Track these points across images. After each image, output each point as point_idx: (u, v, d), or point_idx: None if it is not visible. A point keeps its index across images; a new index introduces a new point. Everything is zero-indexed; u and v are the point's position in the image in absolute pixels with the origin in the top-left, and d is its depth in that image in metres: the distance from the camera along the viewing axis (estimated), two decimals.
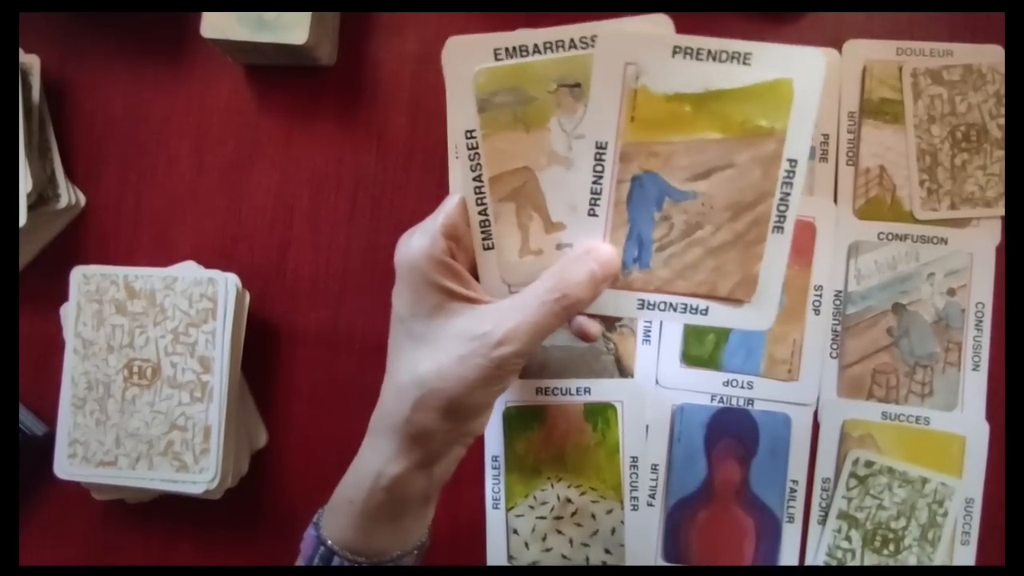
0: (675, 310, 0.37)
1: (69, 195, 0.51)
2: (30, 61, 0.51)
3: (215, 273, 0.48)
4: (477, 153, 0.36)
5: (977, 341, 0.49)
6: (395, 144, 0.52)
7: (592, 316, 0.38)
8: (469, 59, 0.35)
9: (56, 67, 0.52)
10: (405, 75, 0.52)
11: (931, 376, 0.50)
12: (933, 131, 0.50)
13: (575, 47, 0.35)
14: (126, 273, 0.48)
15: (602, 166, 0.36)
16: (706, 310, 0.37)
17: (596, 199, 0.36)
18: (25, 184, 0.48)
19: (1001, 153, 0.49)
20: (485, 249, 0.37)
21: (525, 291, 0.36)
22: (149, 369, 0.47)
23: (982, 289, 0.50)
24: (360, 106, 0.52)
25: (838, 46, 0.51)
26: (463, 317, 0.35)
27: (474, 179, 0.37)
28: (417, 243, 0.36)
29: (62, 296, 0.49)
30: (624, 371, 0.50)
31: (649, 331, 0.50)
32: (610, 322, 0.50)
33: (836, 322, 0.50)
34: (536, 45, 0.35)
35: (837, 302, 0.50)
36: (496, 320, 0.35)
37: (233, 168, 0.52)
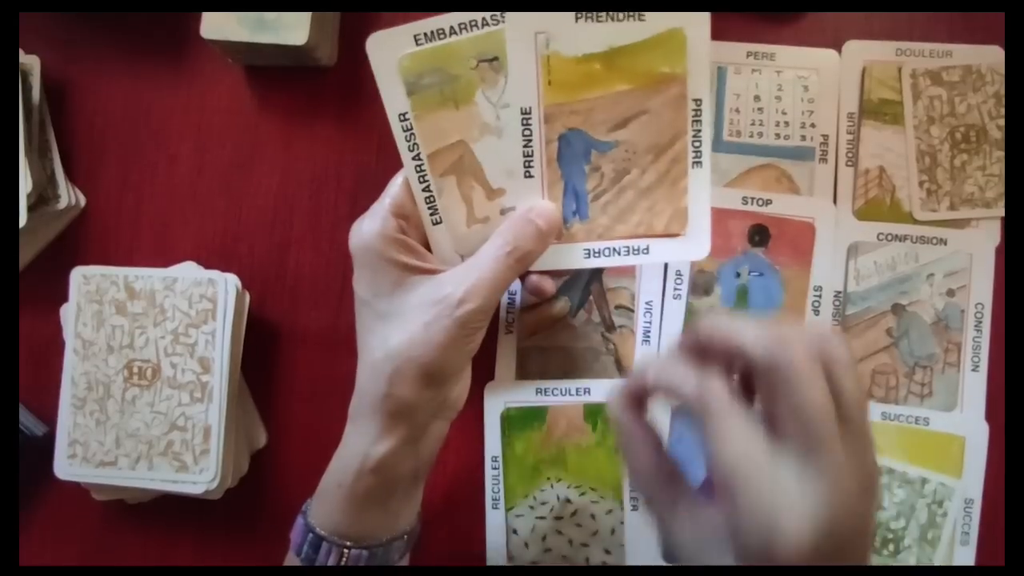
0: (619, 254, 0.40)
1: (69, 195, 0.51)
2: (30, 61, 0.51)
3: (215, 274, 0.48)
4: (412, 134, 0.39)
5: (976, 342, 0.49)
6: (395, 144, 0.52)
7: (544, 273, 0.41)
8: (391, 48, 0.38)
9: (56, 67, 0.52)
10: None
11: (930, 377, 0.50)
12: (932, 132, 0.50)
13: (488, 24, 0.38)
14: (126, 274, 0.48)
15: (530, 130, 0.39)
16: (647, 249, 0.40)
17: (529, 161, 0.39)
18: (25, 184, 0.48)
19: (1000, 154, 0.49)
20: (434, 224, 0.40)
21: (478, 252, 0.38)
22: (149, 369, 0.47)
23: (981, 290, 0.50)
24: (360, 106, 0.52)
25: (838, 46, 0.51)
26: (423, 287, 0.37)
27: (413, 158, 0.39)
28: (368, 225, 0.38)
29: (62, 296, 0.49)
30: (624, 371, 0.50)
31: (648, 331, 0.50)
32: (610, 323, 0.50)
33: (835, 323, 0.50)
34: (452, 27, 0.38)
35: (836, 303, 0.50)
36: (455, 282, 0.36)
37: (233, 168, 0.52)
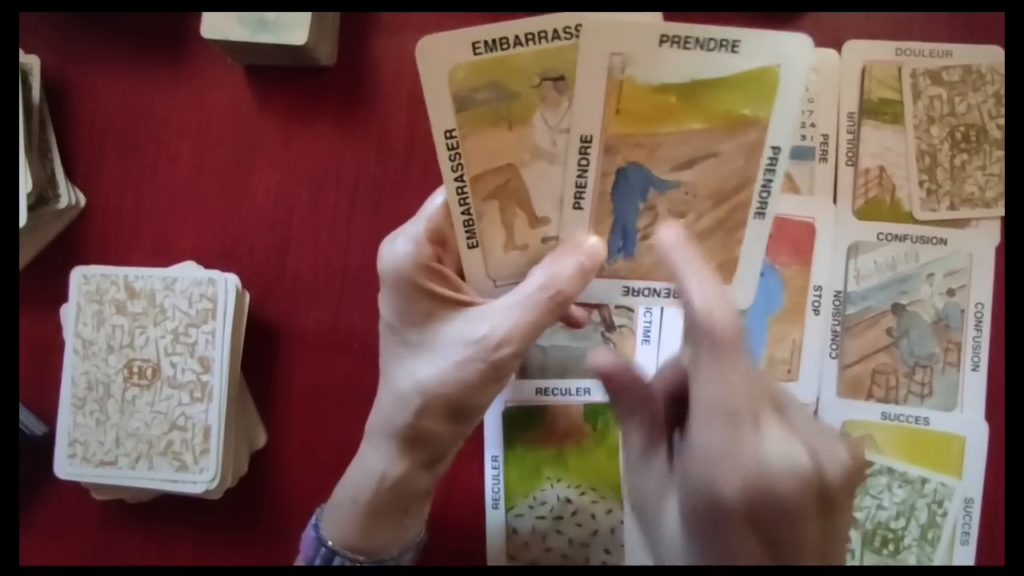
0: (659, 295, 0.38)
1: (69, 195, 0.51)
2: (30, 61, 0.51)
3: (215, 273, 0.48)
4: (458, 153, 0.35)
5: (976, 341, 0.49)
6: (395, 144, 0.52)
7: (578, 304, 0.38)
8: (445, 55, 0.34)
9: (56, 67, 0.52)
10: (405, 75, 0.52)
11: (930, 376, 0.50)
12: (932, 131, 0.50)
13: (558, 38, 0.33)
14: (126, 273, 0.48)
15: (587, 160, 0.35)
16: None
17: (581, 192, 0.36)
18: (25, 184, 0.48)
19: (1000, 153, 0.49)
20: (470, 248, 0.37)
21: (517, 290, 0.35)
22: (149, 369, 0.47)
23: (981, 289, 0.50)
24: (360, 106, 0.52)
25: (838, 46, 0.51)
26: (457, 321, 0.35)
27: (456, 179, 0.36)
28: (402, 249, 0.35)
29: (62, 296, 0.49)
30: None
31: (649, 331, 0.50)
32: (610, 323, 0.50)
33: (836, 322, 0.50)
34: (518, 37, 0.33)
35: (836, 302, 0.50)
36: (493, 323, 0.34)
37: (233, 168, 0.52)
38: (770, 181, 0.36)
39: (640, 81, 0.34)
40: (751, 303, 0.38)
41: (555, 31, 0.33)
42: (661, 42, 0.33)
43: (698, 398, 0.30)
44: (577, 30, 0.33)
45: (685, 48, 0.33)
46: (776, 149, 0.35)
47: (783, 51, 0.34)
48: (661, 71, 0.34)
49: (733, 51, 0.34)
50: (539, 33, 0.33)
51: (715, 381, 0.30)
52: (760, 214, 0.36)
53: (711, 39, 0.33)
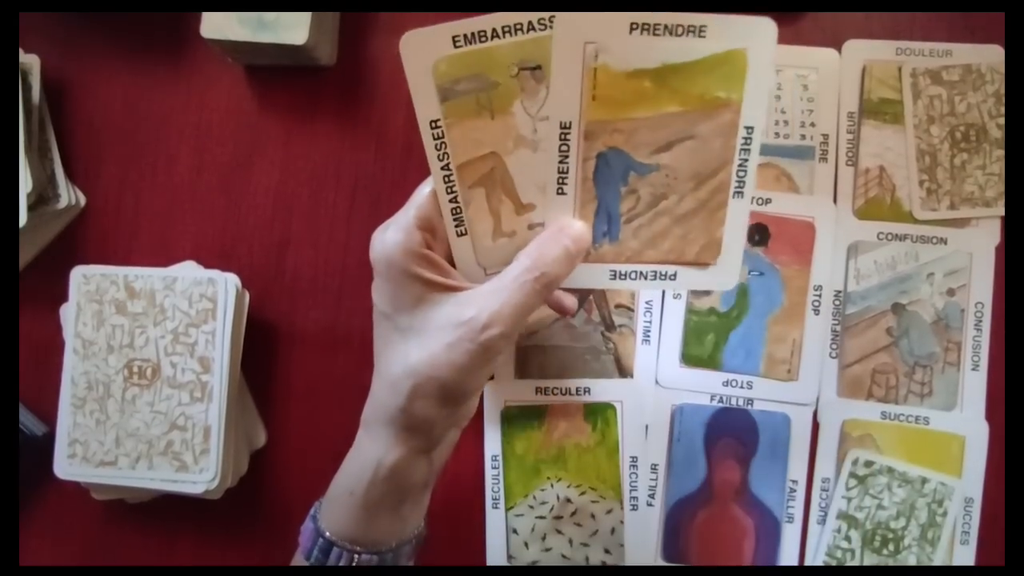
0: (645, 278, 0.39)
1: (69, 195, 0.51)
2: (30, 61, 0.51)
3: (215, 273, 0.48)
4: (443, 143, 0.37)
5: (976, 341, 0.49)
6: (394, 144, 0.52)
7: (568, 290, 0.39)
8: (427, 49, 0.35)
9: (56, 67, 0.52)
10: (404, 75, 0.52)
11: (930, 376, 0.50)
12: (932, 131, 0.50)
13: (534, 29, 0.35)
14: (126, 273, 0.48)
15: (567, 146, 0.37)
16: (674, 275, 0.39)
17: (564, 178, 0.37)
18: (25, 184, 0.48)
19: (1000, 153, 0.49)
20: (459, 236, 0.38)
21: (504, 273, 0.36)
22: (149, 369, 0.47)
23: (981, 289, 0.50)
24: (360, 106, 0.52)
25: (838, 46, 0.51)
26: (446, 305, 0.36)
27: (442, 168, 0.37)
28: (392, 238, 0.36)
29: (62, 296, 0.49)
30: (624, 371, 0.50)
31: (648, 331, 0.50)
32: (610, 322, 0.50)
33: (836, 322, 0.50)
34: (495, 30, 0.35)
35: (837, 302, 0.50)
36: (480, 304, 0.35)
37: (233, 168, 0.52)
38: (746, 160, 0.37)
39: (614, 68, 0.35)
40: (736, 284, 0.39)
41: (530, 23, 0.35)
42: (631, 29, 0.35)
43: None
44: (551, 21, 0.35)
45: (655, 34, 0.35)
46: (750, 129, 0.36)
47: (748, 34, 0.35)
48: (633, 57, 0.35)
49: (700, 36, 0.35)
50: (515, 25, 0.35)
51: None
52: (739, 193, 0.37)
53: (679, 25, 0.35)
